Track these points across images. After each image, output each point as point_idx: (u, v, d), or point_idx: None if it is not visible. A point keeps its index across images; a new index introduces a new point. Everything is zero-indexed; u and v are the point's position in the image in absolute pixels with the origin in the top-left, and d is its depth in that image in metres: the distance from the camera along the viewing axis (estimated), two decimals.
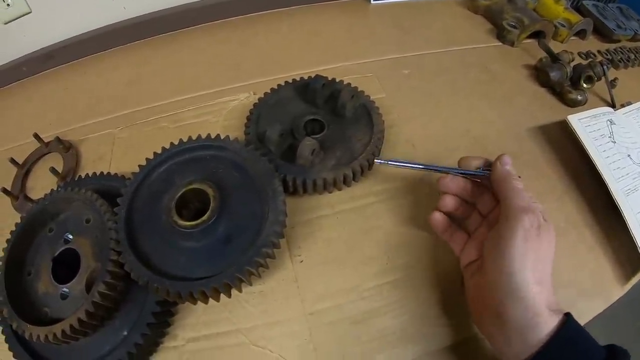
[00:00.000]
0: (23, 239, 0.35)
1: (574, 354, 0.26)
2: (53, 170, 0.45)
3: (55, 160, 0.49)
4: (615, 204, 0.41)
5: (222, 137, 0.38)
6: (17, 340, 0.31)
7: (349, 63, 0.58)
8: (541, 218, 0.29)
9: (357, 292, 0.37)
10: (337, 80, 0.49)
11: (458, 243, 0.35)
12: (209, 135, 0.38)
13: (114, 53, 0.64)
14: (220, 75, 0.57)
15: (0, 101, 0.59)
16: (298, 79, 0.49)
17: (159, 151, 0.38)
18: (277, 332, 0.35)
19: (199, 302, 0.32)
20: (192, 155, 0.38)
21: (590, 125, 0.47)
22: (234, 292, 0.32)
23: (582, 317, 0.32)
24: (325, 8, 0.70)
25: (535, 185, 0.45)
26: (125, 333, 0.31)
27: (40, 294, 0.33)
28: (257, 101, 0.47)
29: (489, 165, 0.35)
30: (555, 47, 0.60)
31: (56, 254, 0.34)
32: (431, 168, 0.38)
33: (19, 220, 0.35)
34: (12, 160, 0.47)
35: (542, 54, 0.58)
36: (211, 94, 0.55)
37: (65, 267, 0.33)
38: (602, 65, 0.54)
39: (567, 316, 0.28)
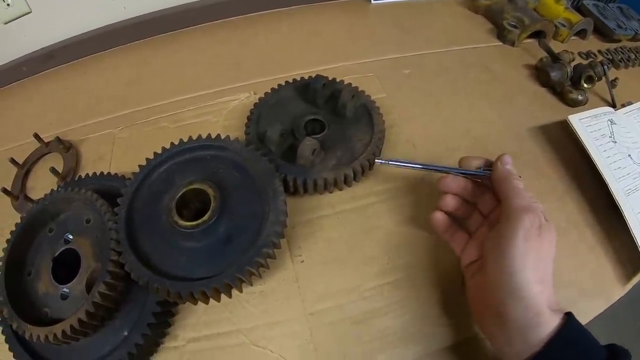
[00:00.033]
0: (23, 239, 0.35)
1: (575, 354, 0.26)
2: (53, 170, 0.45)
3: (56, 160, 0.49)
4: (616, 203, 0.41)
5: (222, 137, 0.38)
6: (17, 341, 0.31)
7: (349, 63, 0.58)
8: (542, 218, 0.29)
9: (358, 292, 0.37)
10: (338, 80, 0.49)
11: (459, 243, 0.35)
12: (209, 135, 0.38)
13: (114, 53, 0.64)
14: (221, 75, 0.57)
15: (0, 101, 0.59)
16: (298, 78, 0.49)
17: (159, 151, 0.38)
18: (277, 332, 0.35)
19: (199, 303, 0.32)
20: (193, 155, 0.38)
21: (590, 125, 0.47)
22: (234, 292, 0.32)
23: (583, 317, 0.32)
24: (325, 8, 0.70)
25: (535, 185, 0.45)
26: (126, 333, 0.31)
27: (40, 294, 0.33)
28: (257, 101, 0.47)
29: (489, 165, 0.35)
30: (556, 47, 0.60)
31: (56, 254, 0.34)
32: (432, 168, 0.38)
33: (19, 220, 0.35)
34: (12, 160, 0.47)
35: (543, 53, 0.58)
36: (211, 93, 0.55)
37: (66, 267, 0.33)
38: (602, 65, 0.54)
39: (569, 316, 0.28)
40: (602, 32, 0.69)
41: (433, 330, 0.35)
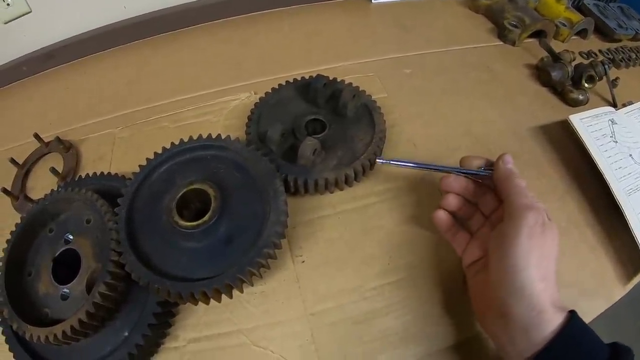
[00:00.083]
0: (23, 239, 0.35)
1: (579, 352, 0.26)
2: (53, 170, 0.45)
3: (56, 160, 0.49)
4: (617, 203, 0.41)
5: (223, 137, 0.38)
6: (17, 341, 0.31)
7: (350, 62, 0.58)
8: (545, 216, 0.29)
9: (359, 293, 0.37)
10: (339, 79, 0.48)
11: (460, 243, 0.35)
12: (209, 135, 0.38)
13: (114, 53, 0.64)
14: (221, 75, 0.57)
15: (0, 101, 0.59)
16: (299, 78, 0.49)
17: (160, 151, 0.37)
18: (278, 332, 0.35)
19: (200, 303, 0.32)
20: (193, 155, 0.38)
21: (591, 125, 0.47)
22: (235, 292, 0.32)
23: (584, 317, 0.32)
24: (326, 7, 0.69)
25: (536, 185, 0.45)
26: (126, 334, 0.31)
27: (40, 295, 0.32)
28: (258, 101, 0.47)
29: (490, 165, 0.35)
30: (557, 46, 0.60)
31: (56, 254, 0.34)
32: (433, 168, 0.38)
33: (19, 221, 0.35)
34: (12, 160, 0.47)
35: (544, 53, 0.58)
36: (212, 93, 0.54)
37: (66, 267, 0.33)
38: (603, 64, 0.54)
39: (572, 313, 0.28)
40: (602, 31, 0.69)
41: (435, 330, 0.35)
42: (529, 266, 0.27)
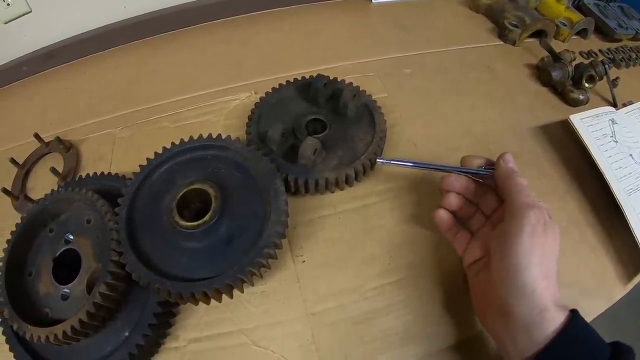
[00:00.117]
0: (23, 239, 0.34)
1: (580, 351, 0.26)
2: (53, 170, 0.45)
3: (56, 160, 0.49)
4: (617, 203, 0.41)
5: (223, 137, 0.38)
6: (17, 341, 0.31)
7: (350, 62, 0.58)
8: (546, 215, 0.29)
9: (360, 292, 0.37)
10: (339, 79, 0.48)
11: (461, 242, 0.35)
12: (210, 135, 0.38)
13: (114, 53, 0.63)
14: (221, 75, 0.57)
15: (0, 101, 0.59)
16: (299, 78, 0.49)
17: (160, 151, 0.37)
18: (279, 332, 0.35)
19: (200, 303, 0.32)
20: (193, 155, 0.38)
21: (592, 124, 0.47)
22: (235, 292, 0.32)
23: (585, 317, 0.32)
24: (326, 7, 0.69)
25: (537, 185, 0.45)
26: (127, 334, 0.31)
27: (41, 295, 0.32)
28: (258, 100, 0.47)
29: (491, 165, 0.35)
30: (557, 46, 0.60)
31: (57, 254, 0.34)
32: (433, 167, 0.38)
33: (19, 221, 0.35)
34: (13, 160, 0.47)
35: (544, 53, 0.58)
36: (212, 93, 0.54)
37: (66, 267, 0.33)
38: (603, 64, 0.54)
39: (574, 312, 0.28)
40: (603, 31, 0.69)
41: (435, 330, 0.35)
42: (530, 265, 0.27)
